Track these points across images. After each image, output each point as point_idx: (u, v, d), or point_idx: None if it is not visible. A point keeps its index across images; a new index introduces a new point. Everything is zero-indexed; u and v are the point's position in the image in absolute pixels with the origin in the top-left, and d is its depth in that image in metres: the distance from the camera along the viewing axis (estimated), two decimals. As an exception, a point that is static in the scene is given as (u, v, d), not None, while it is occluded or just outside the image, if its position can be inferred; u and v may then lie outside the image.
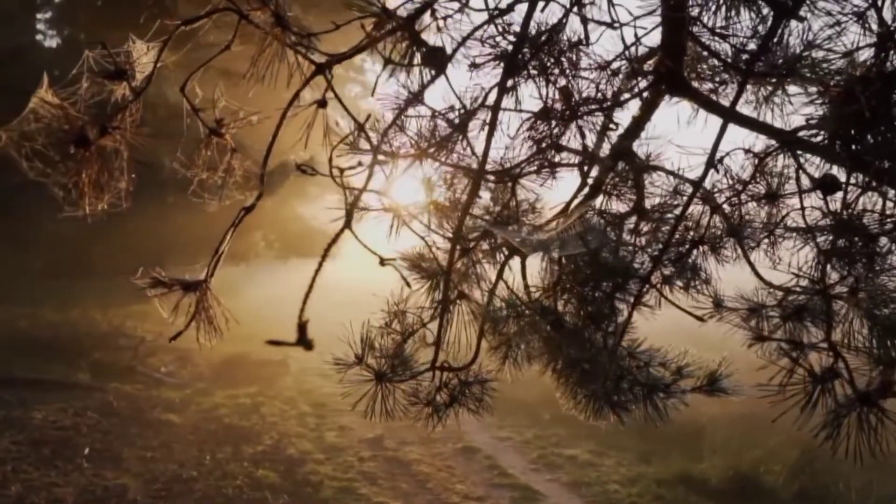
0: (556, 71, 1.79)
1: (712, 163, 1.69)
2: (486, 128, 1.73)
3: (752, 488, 8.50)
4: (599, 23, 1.65)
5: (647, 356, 2.33)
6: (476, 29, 1.63)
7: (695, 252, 2.28)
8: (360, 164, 1.58)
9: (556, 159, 2.04)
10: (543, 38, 1.70)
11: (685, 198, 2.21)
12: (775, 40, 1.59)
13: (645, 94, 1.83)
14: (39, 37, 17.68)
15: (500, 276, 2.16)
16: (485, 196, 2.32)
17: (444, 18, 1.59)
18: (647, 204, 2.26)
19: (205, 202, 1.69)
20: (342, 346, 2.17)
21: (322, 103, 1.48)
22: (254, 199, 1.55)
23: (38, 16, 17.30)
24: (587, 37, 1.73)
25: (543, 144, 1.94)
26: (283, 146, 1.65)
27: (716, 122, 2.15)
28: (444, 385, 2.28)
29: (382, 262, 1.50)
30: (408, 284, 1.65)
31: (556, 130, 1.92)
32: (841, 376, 1.55)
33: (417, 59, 1.79)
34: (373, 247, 1.61)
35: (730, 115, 1.67)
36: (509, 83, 1.76)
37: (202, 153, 1.46)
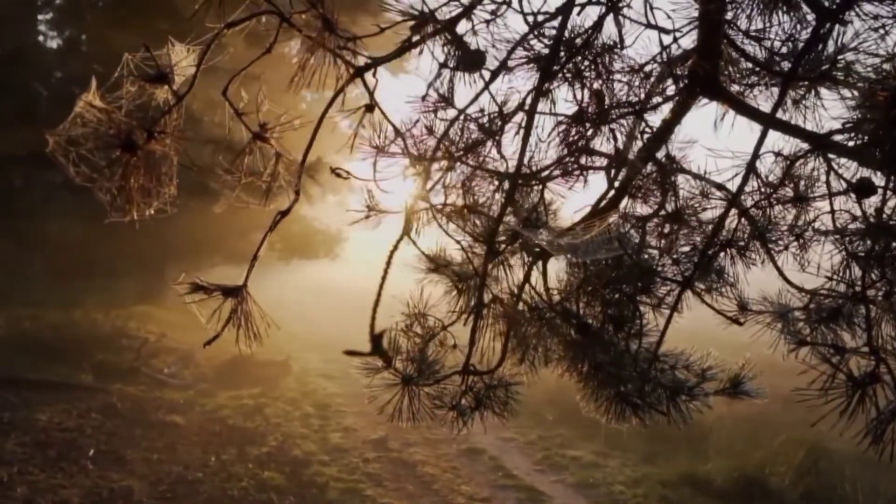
0: (592, 74, 1.78)
1: (753, 167, 1.68)
2: (520, 131, 1.72)
3: (758, 489, 8.51)
4: (643, 24, 1.64)
5: (671, 359, 2.33)
6: (521, 41, 1.61)
7: (721, 255, 2.27)
8: (411, 167, 1.57)
9: (585, 162, 2.02)
10: (579, 41, 1.69)
11: (713, 200, 2.21)
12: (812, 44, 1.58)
13: (678, 97, 1.82)
14: (41, 38, 17.64)
15: (527, 278, 2.15)
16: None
17: (487, 23, 1.59)
18: (674, 207, 2.25)
19: (232, 205, 1.68)
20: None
21: (370, 107, 1.47)
22: (290, 203, 1.55)
23: (39, 17, 17.25)
24: (622, 40, 1.72)
25: (574, 147, 1.93)
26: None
27: (743, 124, 2.15)
28: (469, 389, 2.26)
29: (436, 268, 1.49)
30: (458, 291, 1.63)
31: (588, 133, 1.91)
32: (882, 381, 1.55)
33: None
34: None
35: (767, 119, 1.66)
36: (544, 87, 1.74)
37: (245, 158, 1.45)
